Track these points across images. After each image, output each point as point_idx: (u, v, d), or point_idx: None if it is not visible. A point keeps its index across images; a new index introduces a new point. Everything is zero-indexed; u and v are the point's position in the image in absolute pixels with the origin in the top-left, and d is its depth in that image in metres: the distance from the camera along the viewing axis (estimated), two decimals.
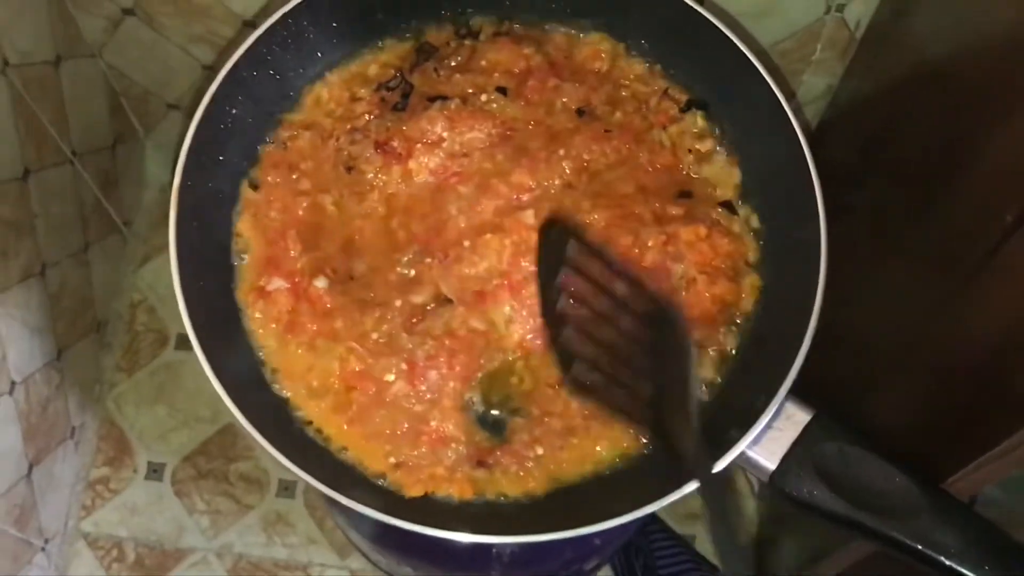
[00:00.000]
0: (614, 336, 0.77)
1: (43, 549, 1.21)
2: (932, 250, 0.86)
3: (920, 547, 0.73)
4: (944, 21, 0.90)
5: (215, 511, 1.30)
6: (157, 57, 1.22)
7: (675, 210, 0.86)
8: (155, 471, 1.29)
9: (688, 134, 0.90)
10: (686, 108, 0.91)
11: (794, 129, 0.82)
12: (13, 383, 1.07)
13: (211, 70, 1.23)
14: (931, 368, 0.85)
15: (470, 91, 0.90)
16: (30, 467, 1.14)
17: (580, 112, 0.90)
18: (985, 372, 0.76)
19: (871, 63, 1.09)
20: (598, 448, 0.81)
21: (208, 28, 1.15)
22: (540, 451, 0.81)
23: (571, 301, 0.77)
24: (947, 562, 0.72)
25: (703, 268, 0.83)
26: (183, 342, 1.32)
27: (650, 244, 0.83)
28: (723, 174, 0.89)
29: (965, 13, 0.86)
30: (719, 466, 0.74)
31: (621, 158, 0.88)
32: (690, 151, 0.89)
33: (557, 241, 0.80)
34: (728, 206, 0.87)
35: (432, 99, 0.90)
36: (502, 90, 0.90)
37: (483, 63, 0.92)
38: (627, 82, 0.93)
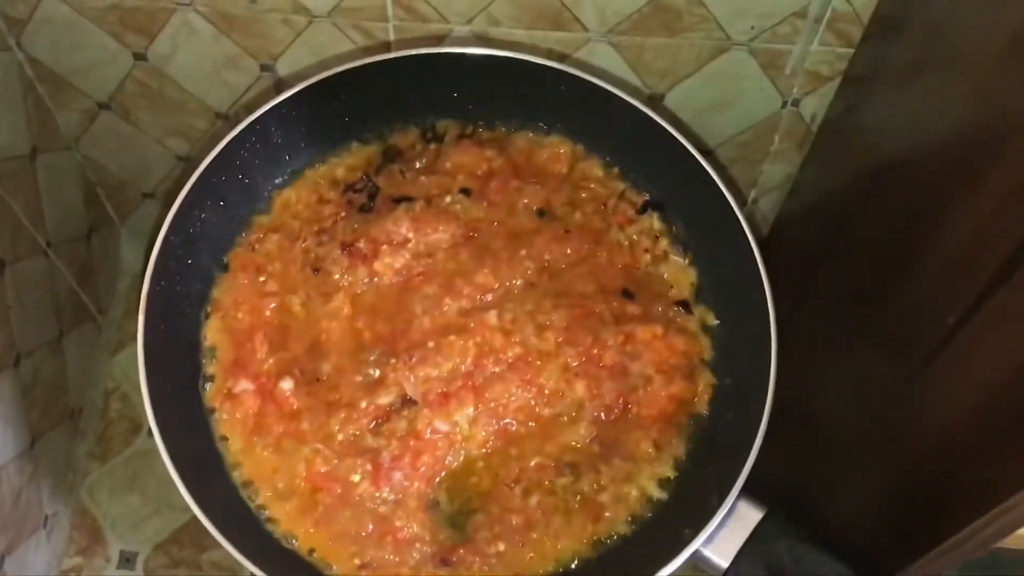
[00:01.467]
0: None
1: None
2: (885, 342, 0.87)
3: None
4: (893, 117, 0.92)
5: None
6: (132, 149, 1.23)
7: (633, 309, 0.88)
8: (127, 560, 1.29)
9: (645, 234, 0.93)
10: (643, 209, 0.94)
11: (745, 233, 0.85)
12: None
13: (186, 161, 1.25)
14: (887, 457, 0.86)
15: (435, 192, 0.93)
16: (2, 558, 1.13)
17: (541, 213, 0.93)
18: (939, 462, 0.77)
19: (828, 154, 1.12)
20: (559, 546, 0.83)
21: (182, 121, 1.17)
22: (502, 547, 0.83)
23: None
24: None
25: (660, 367, 0.86)
26: None
27: (609, 343, 0.85)
28: (679, 274, 0.92)
29: (913, 110, 0.88)
30: (673, 565, 0.76)
31: (581, 258, 0.91)
32: (647, 251, 0.92)
33: None
34: (684, 305, 0.90)
35: (398, 200, 0.92)
36: (466, 191, 0.93)
37: (448, 165, 0.95)
38: (587, 183, 0.96)
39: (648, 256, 0.92)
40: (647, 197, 0.95)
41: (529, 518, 0.83)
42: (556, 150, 0.97)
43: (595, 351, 0.85)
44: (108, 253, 1.40)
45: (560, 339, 0.85)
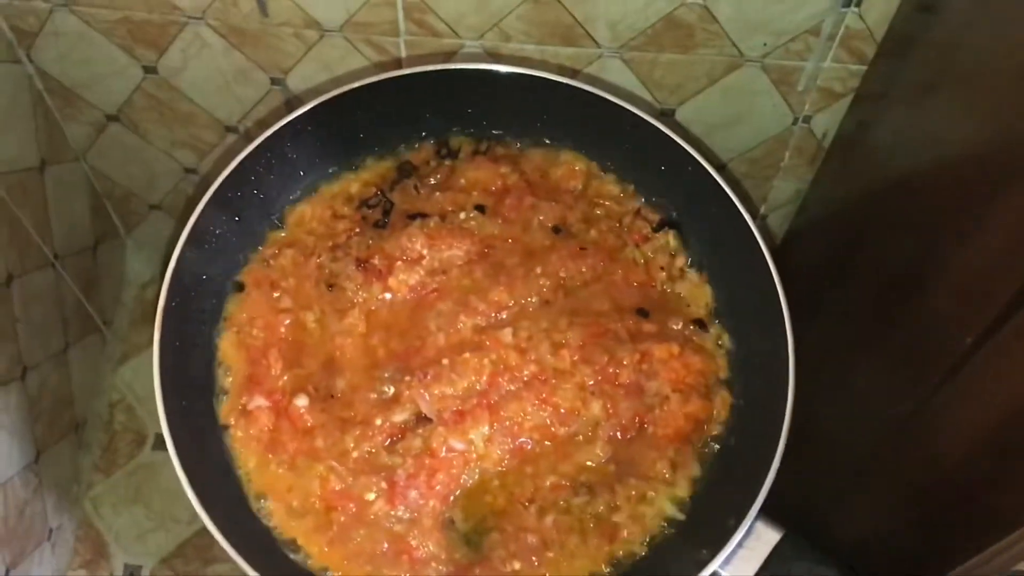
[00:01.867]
0: None
1: None
2: (899, 361, 0.87)
3: None
4: (906, 135, 0.92)
5: None
6: (140, 160, 1.23)
7: (649, 327, 0.88)
8: (132, 573, 1.28)
9: (661, 252, 0.93)
10: (658, 227, 0.94)
11: (762, 251, 0.85)
12: None
13: (194, 173, 1.25)
14: (903, 479, 0.86)
15: (449, 209, 0.93)
16: (7, 572, 1.13)
17: (556, 230, 0.93)
18: (956, 485, 0.77)
19: (839, 171, 1.12)
20: (575, 565, 0.82)
21: (191, 134, 1.17)
22: (517, 566, 0.82)
23: None
24: None
25: (676, 386, 0.85)
26: (161, 442, 1.30)
27: (625, 362, 0.85)
28: (695, 292, 0.92)
29: (926, 129, 0.88)
30: None
31: (596, 275, 0.91)
32: (663, 269, 0.92)
33: None
34: (700, 323, 0.90)
35: (412, 216, 0.92)
36: (480, 208, 0.93)
37: (462, 181, 0.95)
38: (602, 201, 0.96)
39: (664, 274, 0.92)
40: (663, 215, 0.95)
41: (544, 537, 0.82)
42: (571, 166, 0.97)
43: (611, 370, 0.85)
44: (114, 264, 1.40)
45: (576, 357, 0.85)
